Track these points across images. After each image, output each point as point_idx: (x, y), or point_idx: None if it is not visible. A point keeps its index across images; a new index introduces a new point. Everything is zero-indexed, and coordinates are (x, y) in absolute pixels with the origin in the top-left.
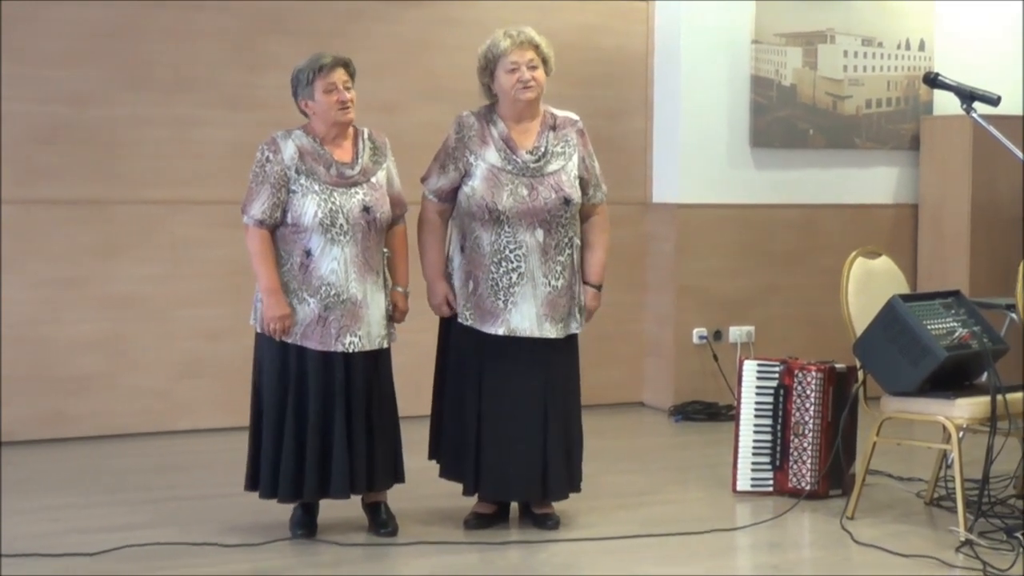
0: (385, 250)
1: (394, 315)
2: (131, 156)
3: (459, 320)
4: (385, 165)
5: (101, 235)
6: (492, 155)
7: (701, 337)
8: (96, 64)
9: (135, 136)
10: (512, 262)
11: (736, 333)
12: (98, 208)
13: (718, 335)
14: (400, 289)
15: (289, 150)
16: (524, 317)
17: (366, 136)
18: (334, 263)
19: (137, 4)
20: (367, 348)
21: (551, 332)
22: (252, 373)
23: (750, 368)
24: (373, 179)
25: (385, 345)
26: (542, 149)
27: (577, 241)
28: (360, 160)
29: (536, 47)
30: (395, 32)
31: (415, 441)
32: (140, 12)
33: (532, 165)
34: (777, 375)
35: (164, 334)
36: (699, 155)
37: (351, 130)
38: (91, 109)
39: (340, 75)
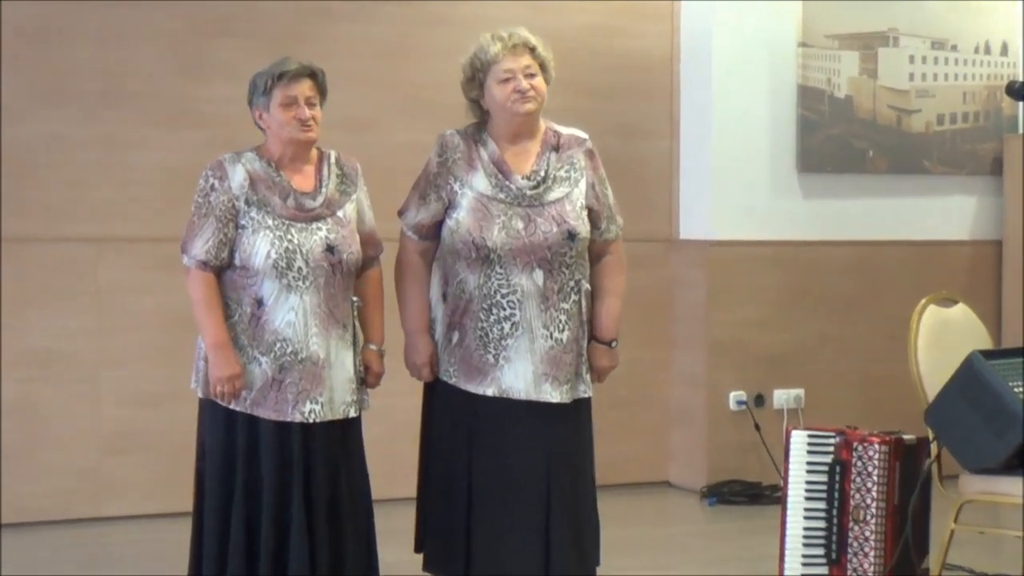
0: (355, 299)
1: (367, 378)
2: (48, 184)
3: (442, 377)
4: (355, 196)
5: (11, 279)
6: (481, 181)
7: (739, 402)
8: (6, 73)
9: (52, 160)
10: (504, 309)
11: (781, 397)
12: (7, 247)
13: (760, 400)
14: (374, 347)
15: (238, 176)
16: (519, 376)
17: (332, 160)
18: (291, 314)
19: (55, 2)
20: (330, 417)
21: (553, 395)
22: (196, 448)
23: (799, 440)
24: (340, 213)
25: (352, 414)
26: (542, 173)
27: (586, 286)
28: (324, 189)
29: (532, 50)
30: (367, 34)
31: (395, 529)
32: (59, 11)
33: (529, 193)
34: (832, 448)
35: (87, 400)
36: (735, 182)
37: (314, 153)
38: (3, 128)
39: (304, 88)
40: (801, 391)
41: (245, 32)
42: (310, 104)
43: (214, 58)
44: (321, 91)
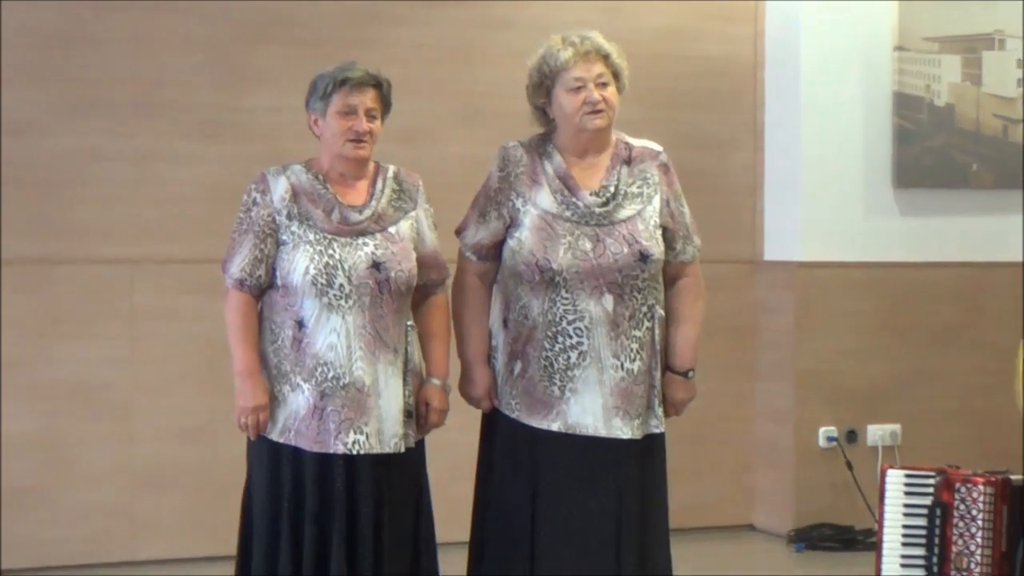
0: (410, 323)
1: (428, 415)
2: (77, 201)
3: (503, 411)
4: (413, 214)
5: (39, 304)
6: (545, 198)
7: (830, 439)
8: (33, 83)
9: (82, 175)
10: (571, 337)
11: (876, 433)
12: (35, 269)
13: (852, 436)
14: (437, 382)
15: (280, 189)
16: (587, 410)
17: (390, 175)
18: (332, 336)
19: (86, 5)
20: (377, 450)
21: (624, 431)
22: (244, 486)
23: (895, 480)
24: (392, 229)
25: (402, 448)
26: (611, 189)
27: (660, 312)
28: (374, 203)
29: (606, 57)
30: (423, 38)
31: None
32: (90, 16)
33: (598, 210)
34: (932, 490)
35: (120, 434)
36: (825, 198)
37: (371, 167)
38: (26, 141)
39: (367, 98)
40: (898, 427)
41: (288, 37)
42: (370, 116)
43: (255, 65)
44: (385, 104)
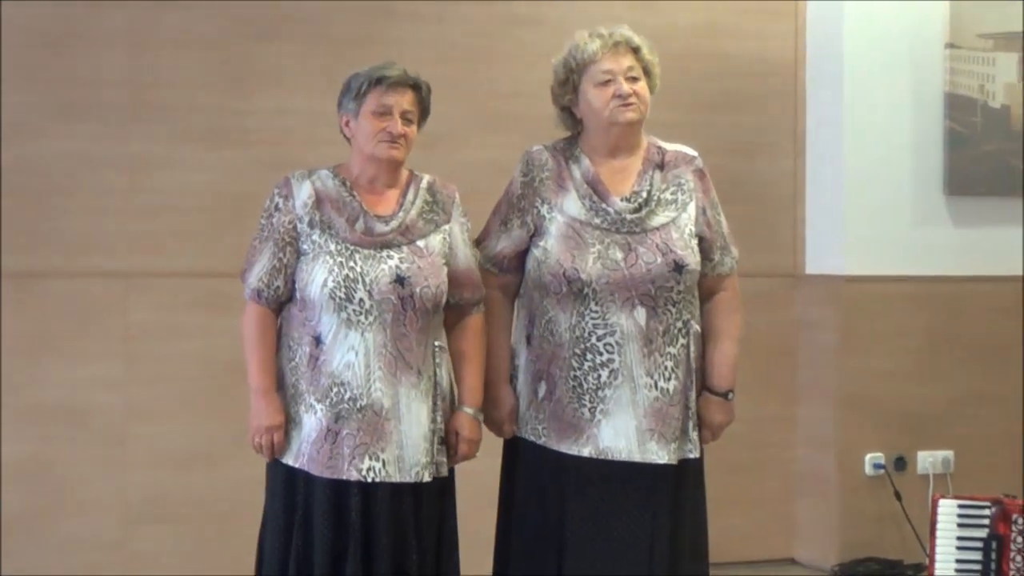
0: (438, 344)
1: (458, 446)
2: (67, 211)
3: (527, 438)
4: (446, 228)
5: (26, 322)
6: (573, 204)
7: (877, 466)
8: (21, 84)
9: (72, 183)
10: (601, 354)
11: (927, 460)
12: (21, 284)
13: (901, 463)
14: (469, 411)
15: (303, 194)
16: (619, 433)
17: (423, 185)
18: (350, 354)
19: (80, 3)
20: (396, 479)
21: (659, 455)
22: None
23: (948, 511)
24: (420, 242)
25: (426, 478)
26: (644, 195)
27: (695, 327)
28: (402, 214)
29: (635, 51)
30: (440, 36)
31: None
32: (83, 13)
33: (629, 217)
34: (987, 521)
35: (113, 461)
36: (871, 207)
37: (404, 174)
38: (13, 146)
39: (404, 100)
40: (950, 453)
41: (296, 35)
42: (406, 119)
43: (260, 65)
44: (422, 108)
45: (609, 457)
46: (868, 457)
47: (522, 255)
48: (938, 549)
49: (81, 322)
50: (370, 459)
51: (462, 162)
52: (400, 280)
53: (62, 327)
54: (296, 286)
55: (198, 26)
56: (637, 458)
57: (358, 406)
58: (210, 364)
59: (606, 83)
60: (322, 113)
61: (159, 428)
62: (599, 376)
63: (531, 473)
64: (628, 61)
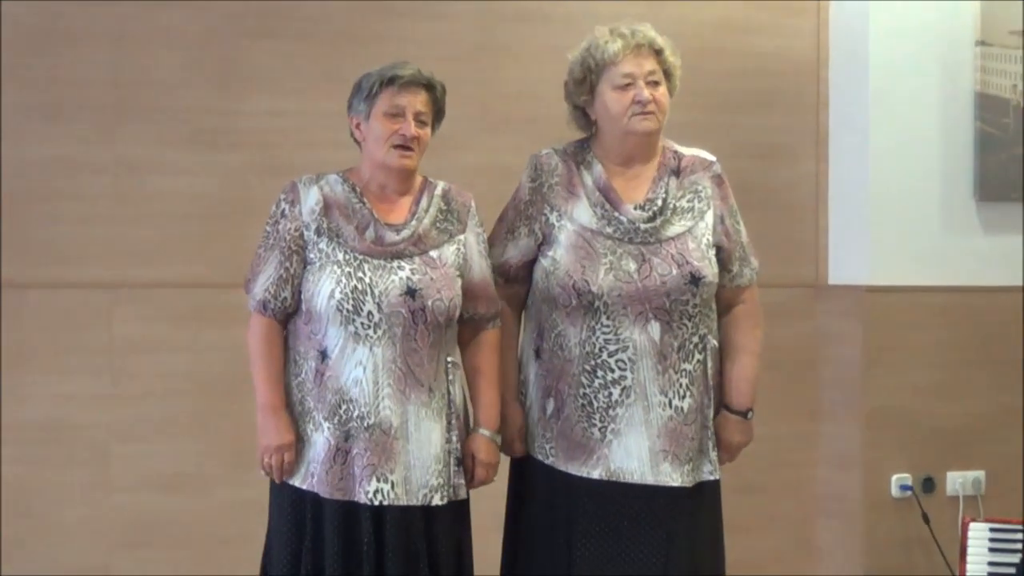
0: (450, 359)
1: (475, 470)
2: (50, 218)
3: (536, 456)
4: (461, 238)
5: (5, 335)
6: (583, 212)
7: (904, 487)
8: (1, 85)
9: (55, 188)
10: (613, 371)
11: (957, 481)
12: (1, 295)
13: (929, 484)
14: (486, 433)
15: (311, 200)
16: (631, 454)
17: (438, 192)
18: (358, 370)
19: (58, 1)
20: (404, 502)
21: (674, 478)
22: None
23: (979, 534)
24: (433, 253)
25: (437, 501)
26: (659, 203)
27: (713, 342)
28: (415, 222)
29: (658, 53)
30: (441, 33)
31: None
32: (66, 11)
33: (643, 226)
34: (1020, 545)
35: (97, 482)
36: (897, 213)
37: (418, 180)
38: None
39: (417, 100)
40: (981, 473)
41: (289, 32)
42: (420, 122)
43: (252, 64)
44: (437, 110)
45: (621, 479)
46: (894, 478)
47: (529, 265)
48: (969, 574)
49: (63, 335)
50: (378, 480)
51: (463, 166)
52: (411, 292)
53: (43, 341)
54: (302, 297)
55: (186, 23)
56: (650, 480)
57: (366, 424)
58: (200, 380)
59: (625, 87)
60: (317, 114)
61: (145, 448)
62: (610, 394)
63: (539, 494)
64: (650, 64)
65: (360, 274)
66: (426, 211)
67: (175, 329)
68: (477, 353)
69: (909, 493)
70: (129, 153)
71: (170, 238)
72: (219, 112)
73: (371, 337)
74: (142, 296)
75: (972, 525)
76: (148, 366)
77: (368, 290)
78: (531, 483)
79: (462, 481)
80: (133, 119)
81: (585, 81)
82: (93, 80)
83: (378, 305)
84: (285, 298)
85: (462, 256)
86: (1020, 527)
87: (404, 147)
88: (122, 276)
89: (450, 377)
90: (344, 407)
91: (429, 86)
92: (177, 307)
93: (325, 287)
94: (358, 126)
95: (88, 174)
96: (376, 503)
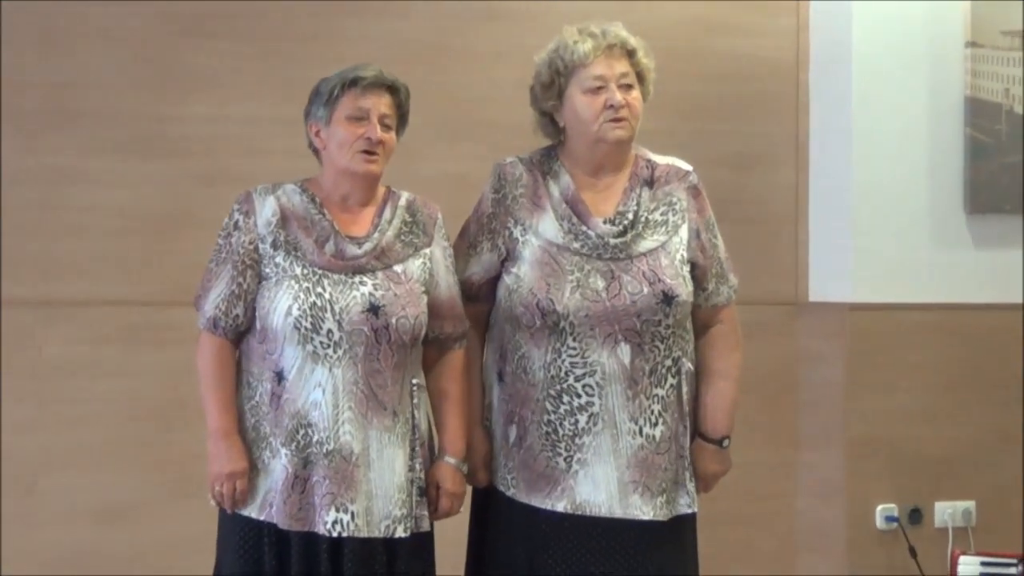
0: (415, 382)
1: (439, 501)
2: None
3: (498, 487)
4: (426, 252)
5: None
6: (549, 226)
7: (889, 519)
8: None
9: None
10: (580, 396)
11: (946, 512)
12: None
13: (916, 515)
14: (452, 461)
15: (267, 211)
16: (598, 485)
17: (402, 203)
18: (316, 392)
19: None
20: (364, 534)
21: (644, 511)
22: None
23: (970, 568)
24: (398, 268)
25: (400, 533)
26: (629, 216)
27: (687, 366)
28: (378, 235)
29: (631, 54)
30: (394, 33)
31: None
32: None
33: (613, 241)
34: None
35: (25, 515)
36: (882, 226)
37: (381, 191)
38: None
39: (381, 103)
40: (971, 504)
41: (231, 31)
42: (384, 125)
43: (189, 65)
44: (401, 113)
45: (587, 513)
46: (879, 508)
47: (493, 282)
48: None
49: None
50: (337, 511)
51: (419, 175)
52: (374, 309)
53: None
54: (257, 315)
55: (120, 21)
56: (618, 514)
57: (325, 450)
58: (135, 405)
59: (597, 90)
60: (261, 119)
61: (76, 478)
62: (576, 421)
63: (502, 528)
64: (622, 66)
65: (319, 290)
66: (389, 223)
67: (107, 350)
68: (443, 375)
69: (895, 525)
70: (57, 162)
71: (102, 253)
72: (155, 117)
73: (331, 357)
74: (71, 315)
75: (962, 559)
76: (78, 390)
77: (328, 306)
78: (494, 515)
79: (425, 512)
80: (62, 126)
81: (553, 85)
82: (15, 82)
83: (338, 323)
84: (237, 315)
85: (428, 271)
86: (1014, 560)
87: (369, 152)
88: (50, 293)
89: (415, 401)
90: (302, 432)
91: (393, 88)
92: (109, 327)
93: (282, 303)
94: (317, 133)
95: (12, 185)
96: (335, 534)
